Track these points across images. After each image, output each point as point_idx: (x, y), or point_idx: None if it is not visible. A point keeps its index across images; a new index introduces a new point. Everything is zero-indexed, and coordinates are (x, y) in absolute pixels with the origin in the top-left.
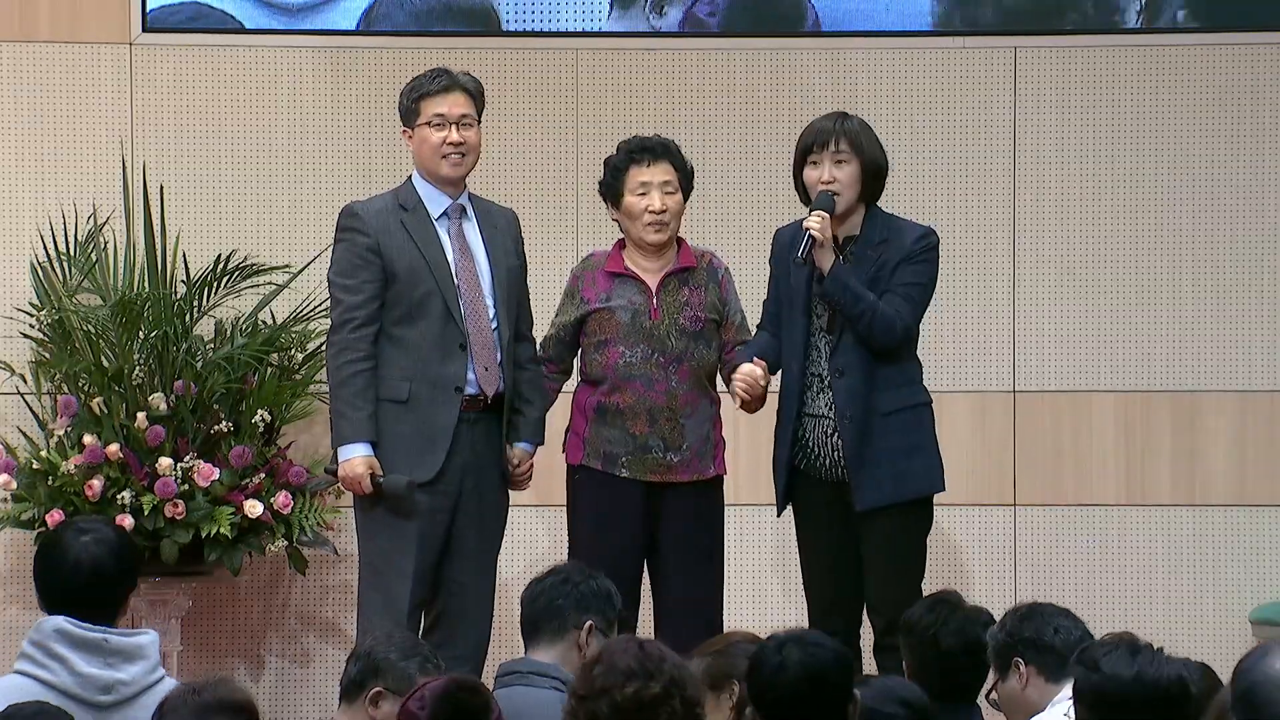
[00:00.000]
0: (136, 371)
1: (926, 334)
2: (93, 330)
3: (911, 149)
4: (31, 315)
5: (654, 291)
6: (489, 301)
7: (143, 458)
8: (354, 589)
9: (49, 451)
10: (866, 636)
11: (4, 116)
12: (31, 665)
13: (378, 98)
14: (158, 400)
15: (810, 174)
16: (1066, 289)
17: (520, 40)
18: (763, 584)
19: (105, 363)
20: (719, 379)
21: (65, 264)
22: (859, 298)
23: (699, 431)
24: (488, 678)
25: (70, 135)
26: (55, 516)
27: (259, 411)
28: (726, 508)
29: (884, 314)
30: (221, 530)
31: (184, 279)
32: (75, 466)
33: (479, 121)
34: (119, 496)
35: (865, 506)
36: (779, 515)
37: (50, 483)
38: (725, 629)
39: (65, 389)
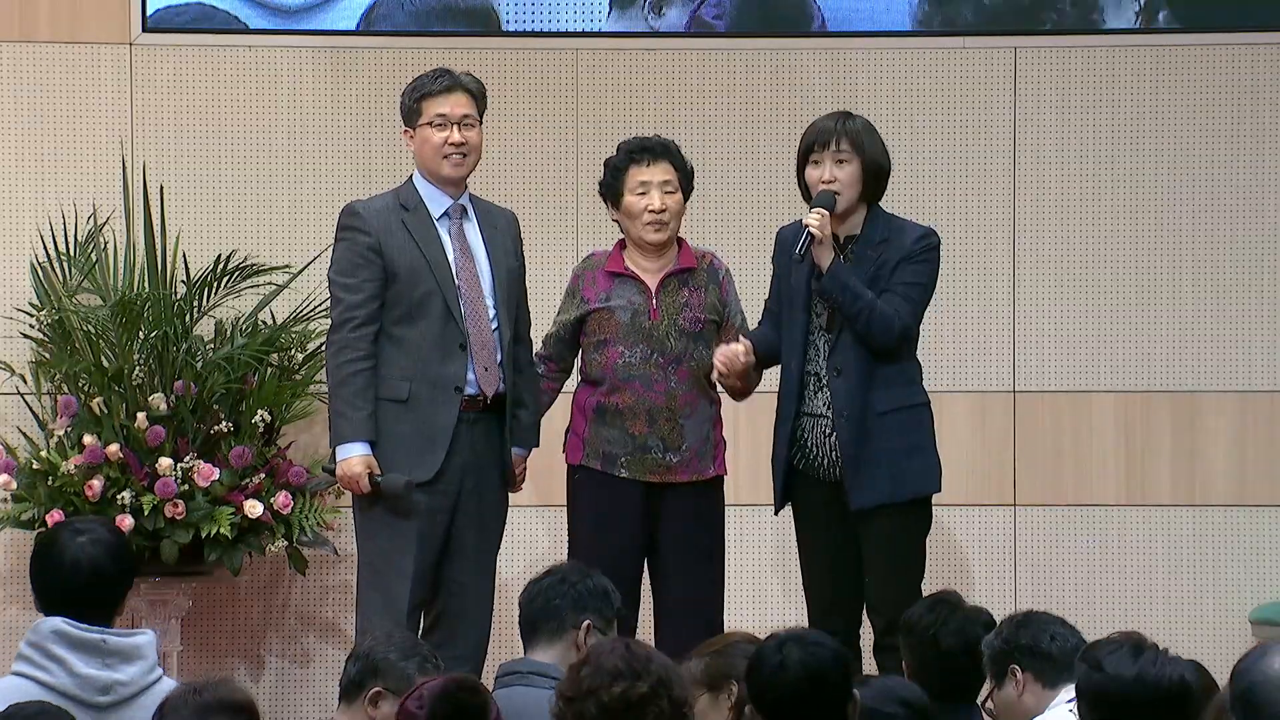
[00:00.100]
0: (136, 371)
1: (926, 334)
2: (93, 330)
3: (911, 149)
4: (31, 315)
5: (654, 292)
6: (489, 302)
7: (143, 458)
8: (354, 589)
9: (49, 451)
10: (866, 636)
11: (4, 116)
12: (30, 666)
13: (378, 98)
14: (158, 400)
15: (812, 173)
16: (1066, 289)
17: (520, 40)
18: (763, 584)
19: (105, 363)
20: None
21: (65, 264)
22: (857, 296)
23: (699, 432)
24: (488, 678)
25: (70, 135)
26: (55, 516)
27: (259, 411)
28: (727, 508)
29: (882, 312)
30: (221, 530)
31: (184, 279)
32: (75, 466)
33: (480, 122)
34: (119, 497)
35: (860, 506)
36: (776, 514)
37: (50, 483)
38: (725, 629)
39: (65, 389)
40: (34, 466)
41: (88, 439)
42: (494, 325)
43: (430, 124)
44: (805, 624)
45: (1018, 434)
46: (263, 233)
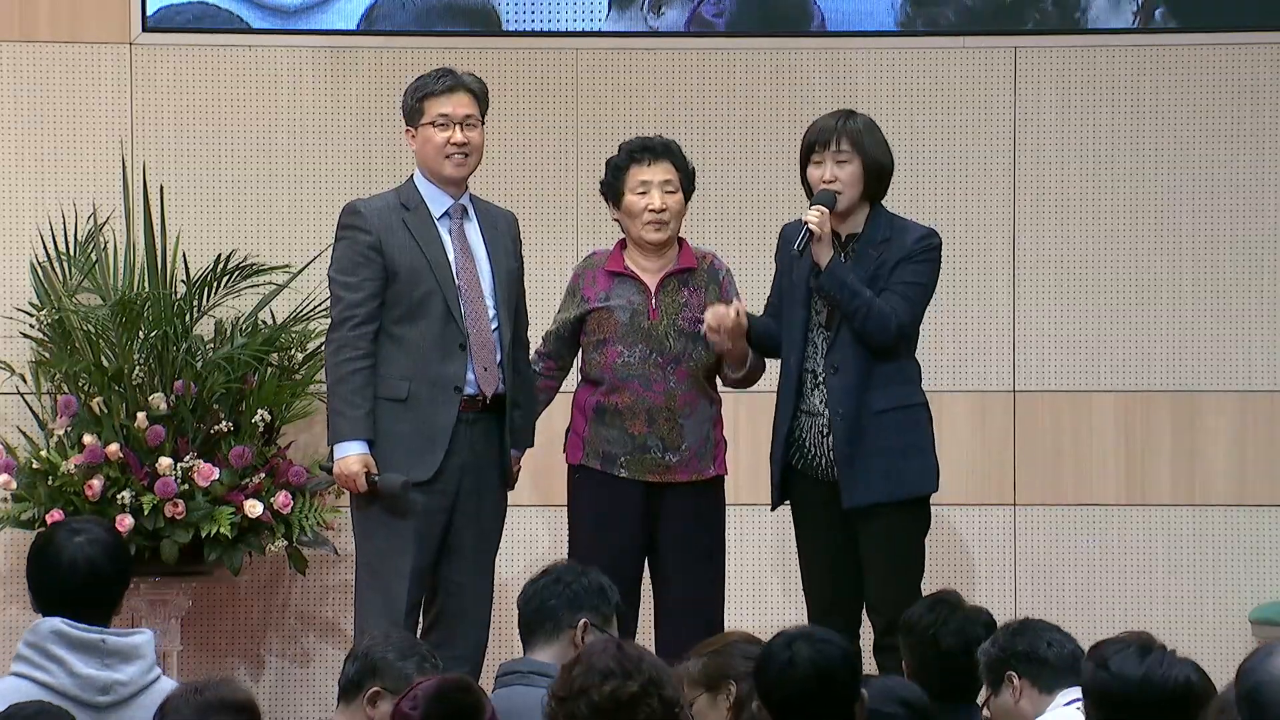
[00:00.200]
0: (136, 371)
1: (926, 334)
2: (93, 330)
3: (911, 149)
4: (31, 315)
5: (653, 292)
6: (489, 302)
7: (143, 458)
8: (353, 589)
9: (49, 451)
10: (866, 636)
11: (4, 116)
12: (29, 667)
13: (378, 98)
14: (158, 400)
15: (813, 173)
16: (1066, 289)
17: (520, 40)
18: (763, 584)
19: (105, 363)
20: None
21: (65, 264)
22: (855, 294)
23: (698, 432)
24: (487, 677)
25: (70, 135)
26: (55, 516)
27: (259, 411)
28: (727, 507)
29: (880, 311)
30: (221, 530)
31: (184, 279)
32: (75, 466)
33: (483, 122)
34: (119, 496)
35: (853, 504)
36: (772, 510)
37: (50, 483)
38: (725, 629)
39: (65, 389)
40: (34, 466)
41: (88, 439)
42: (494, 325)
43: (433, 124)
44: (805, 624)
45: (1018, 434)
46: (263, 233)
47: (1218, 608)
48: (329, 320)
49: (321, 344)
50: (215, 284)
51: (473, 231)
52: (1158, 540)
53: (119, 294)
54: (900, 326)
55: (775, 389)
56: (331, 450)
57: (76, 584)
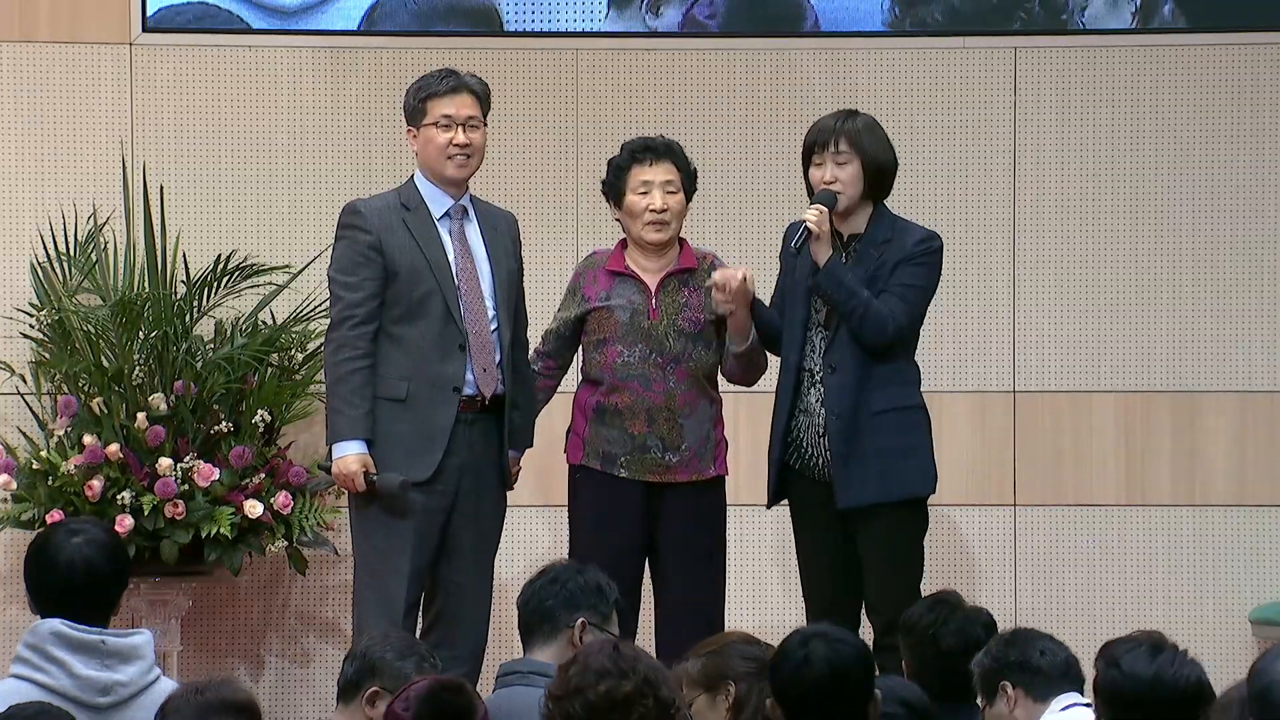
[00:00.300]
0: (136, 371)
1: (926, 334)
2: (93, 330)
3: (911, 149)
4: (31, 315)
5: (653, 292)
6: (489, 303)
7: (143, 458)
8: (352, 589)
9: (49, 451)
10: (866, 637)
11: (4, 116)
12: (28, 669)
13: (378, 98)
14: (158, 400)
15: (814, 174)
16: (1066, 289)
17: (520, 40)
18: (763, 584)
19: (105, 363)
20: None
21: (65, 264)
22: (852, 293)
23: (698, 432)
24: (488, 677)
25: (70, 135)
26: (55, 516)
27: (259, 411)
28: (727, 508)
29: (876, 311)
30: (221, 530)
31: (184, 279)
32: (75, 467)
33: (485, 123)
34: (119, 497)
35: (847, 505)
36: (768, 508)
37: (50, 483)
38: (726, 629)
39: (65, 389)
40: (34, 466)
41: (88, 439)
42: (493, 326)
43: (435, 125)
44: (805, 624)
45: (1018, 434)
46: (263, 233)
47: (1218, 608)
48: (329, 320)
49: (321, 344)
50: (215, 284)
51: (473, 232)
52: (1158, 540)
53: (119, 294)
54: (897, 329)
55: (771, 391)
56: (330, 450)
57: (75, 585)
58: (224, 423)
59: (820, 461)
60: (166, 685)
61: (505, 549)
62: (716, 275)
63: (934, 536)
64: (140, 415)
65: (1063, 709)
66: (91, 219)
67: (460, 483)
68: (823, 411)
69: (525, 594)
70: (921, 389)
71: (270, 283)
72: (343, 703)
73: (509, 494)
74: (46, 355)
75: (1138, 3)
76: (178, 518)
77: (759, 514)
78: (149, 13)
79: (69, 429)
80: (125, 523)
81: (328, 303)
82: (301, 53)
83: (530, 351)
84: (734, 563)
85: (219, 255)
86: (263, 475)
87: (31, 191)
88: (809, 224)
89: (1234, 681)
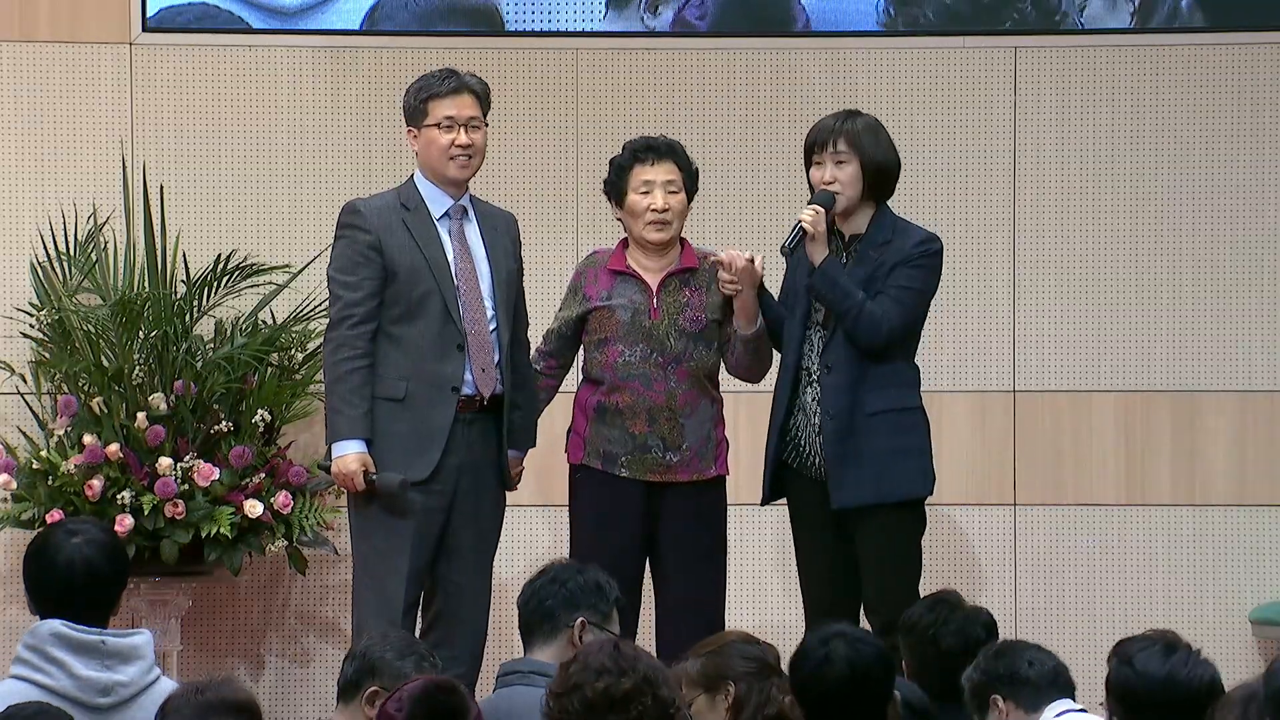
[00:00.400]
0: (136, 371)
1: (927, 334)
2: (93, 330)
3: (911, 149)
4: (31, 315)
5: (654, 291)
6: (488, 303)
7: (143, 458)
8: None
9: (49, 451)
10: None
11: (4, 116)
12: (29, 670)
13: (378, 98)
14: (158, 400)
15: (814, 174)
16: (1066, 289)
17: (520, 40)
18: (763, 584)
19: (105, 363)
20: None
21: (65, 264)
22: (847, 294)
23: (699, 432)
24: (488, 677)
25: (70, 135)
26: (55, 516)
27: (259, 411)
28: (728, 507)
29: (870, 313)
30: (221, 530)
31: (184, 279)
32: (75, 466)
33: (485, 123)
34: (119, 496)
35: (840, 505)
36: (761, 505)
37: (50, 483)
38: (726, 629)
39: (65, 389)
40: (34, 466)
41: (88, 439)
42: (492, 326)
43: (438, 126)
44: (804, 624)
45: (1018, 434)
46: (263, 233)
47: (1218, 608)
48: (328, 320)
49: (321, 344)
50: (215, 284)
51: (472, 232)
52: (1158, 540)
53: (119, 294)
54: (890, 330)
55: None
56: (330, 449)
57: (74, 585)
58: (224, 422)
59: (817, 461)
60: (166, 685)
61: (505, 549)
62: (723, 255)
63: (934, 536)
64: (140, 415)
65: (1057, 715)
66: (91, 219)
67: (459, 482)
68: (819, 411)
69: (525, 593)
70: (921, 389)
71: (270, 282)
72: (343, 703)
73: (510, 494)
74: (46, 355)
75: (1136, 2)
76: (178, 518)
77: (759, 514)
78: (149, 13)
79: (69, 429)
80: (125, 523)
81: (328, 302)
82: (301, 53)
83: (532, 351)
84: (734, 563)
85: (219, 255)
86: (263, 475)
87: (31, 191)
88: (804, 224)
89: (1235, 681)
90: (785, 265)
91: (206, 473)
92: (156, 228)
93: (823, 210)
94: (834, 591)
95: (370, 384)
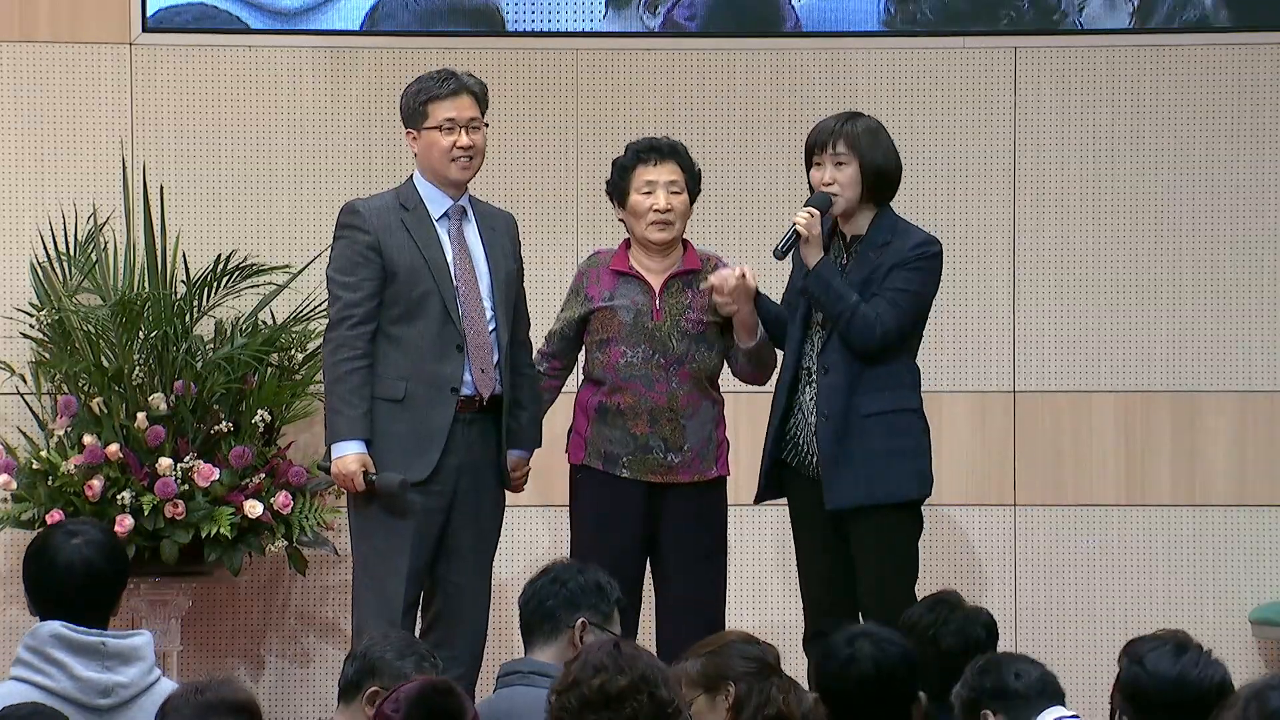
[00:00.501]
0: (136, 371)
1: (927, 334)
2: (93, 330)
3: (911, 149)
4: (31, 315)
5: (657, 292)
6: (487, 303)
7: (143, 458)
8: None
9: (49, 451)
10: None
11: (4, 116)
12: (29, 671)
13: (378, 98)
14: (158, 400)
15: (814, 175)
16: (1066, 289)
17: (520, 40)
18: (764, 584)
19: (105, 363)
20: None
21: (65, 264)
22: (840, 297)
23: (701, 432)
24: (488, 677)
25: (70, 135)
26: (55, 516)
27: (259, 411)
28: (728, 508)
29: (863, 315)
30: (221, 530)
31: (184, 279)
32: (75, 466)
33: (484, 123)
34: (119, 497)
35: (834, 506)
36: (755, 503)
37: (50, 483)
38: (727, 629)
39: (65, 389)
40: (34, 466)
41: (88, 439)
42: (491, 327)
43: (439, 128)
44: (804, 624)
45: (1018, 434)
46: (263, 233)
47: (1218, 608)
48: (328, 320)
49: (321, 344)
50: (215, 284)
51: (471, 233)
52: (1158, 540)
53: (119, 294)
54: (884, 333)
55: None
56: (329, 450)
57: (74, 586)
58: (224, 423)
59: (813, 460)
60: (167, 686)
61: (505, 549)
62: (713, 278)
63: (934, 536)
64: (140, 415)
65: None
66: (91, 219)
67: (458, 483)
68: (816, 411)
69: (526, 594)
70: (921, 391)
71: (270, 283)
72: (343, 703)
73: (510, 494)
74: (46, 355)
75: (1135, 2)
76: (178, 518)
77: (759, 514)
78: (149, 13)
79: (69, 429)
80: (125, 523)
81: (327, 303)
82: (301, 53)
83: (534, 352)
84: (734, 563)
85: (219, 255)
86: (263, 475)
87: (31, 191)
88: (798, 227)
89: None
90: (785, 267)
91: (206, 473)
92: (156, 228)
93: (817, 213)
94: (833, 591)
95: (370, 384)
